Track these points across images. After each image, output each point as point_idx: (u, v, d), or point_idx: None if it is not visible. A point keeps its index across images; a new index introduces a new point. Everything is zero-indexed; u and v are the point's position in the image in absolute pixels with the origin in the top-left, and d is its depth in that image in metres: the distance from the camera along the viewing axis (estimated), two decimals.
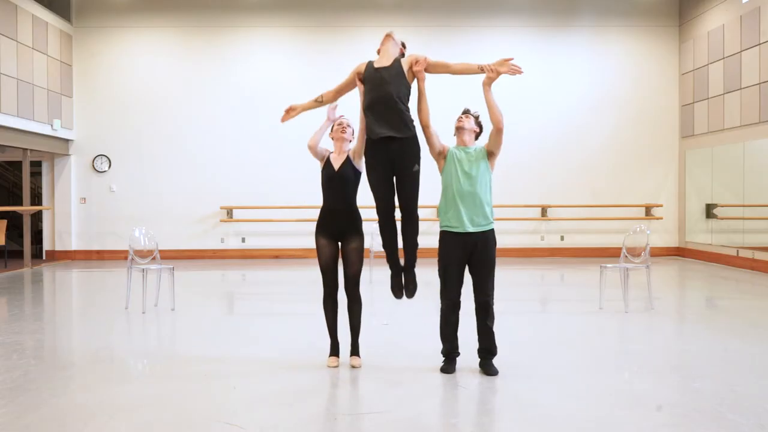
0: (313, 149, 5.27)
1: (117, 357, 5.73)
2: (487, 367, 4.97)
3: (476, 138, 5.21)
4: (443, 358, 5.07)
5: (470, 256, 4.95)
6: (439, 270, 5.01)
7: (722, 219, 12.78)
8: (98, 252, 14.02)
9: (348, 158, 5.23)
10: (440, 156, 5.13)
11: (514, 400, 4.43)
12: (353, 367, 5.13)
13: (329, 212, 5.19)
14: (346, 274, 5.19)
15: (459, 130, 5.18)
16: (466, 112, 5.31)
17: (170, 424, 3.97)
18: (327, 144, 5.30)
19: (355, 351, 5.23)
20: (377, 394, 4.57)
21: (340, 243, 5.22)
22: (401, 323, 6.91)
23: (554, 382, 4.79)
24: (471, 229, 4.91)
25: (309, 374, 5.01)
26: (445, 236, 5.01)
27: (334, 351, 5.27)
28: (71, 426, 3.97)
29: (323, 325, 5.37)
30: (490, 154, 5.05)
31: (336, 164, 5.21)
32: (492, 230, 5.00)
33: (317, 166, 5.33)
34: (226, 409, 4.20)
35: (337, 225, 5.16)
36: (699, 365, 5.32)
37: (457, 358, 5.09)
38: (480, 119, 5.24)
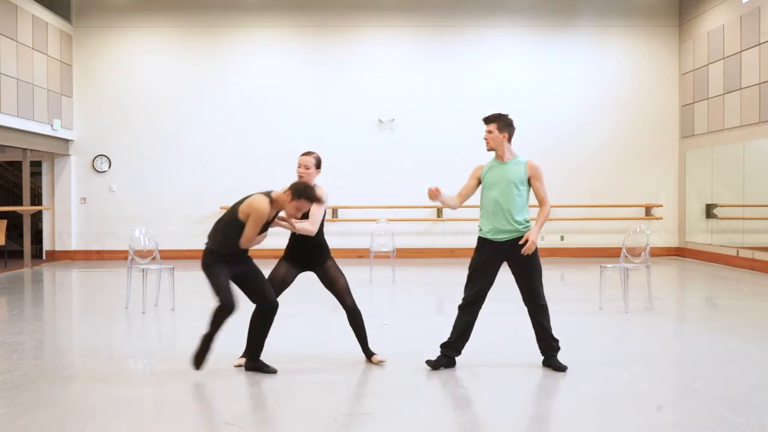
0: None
1: (117, 357, 5.73)
2: (552, 362, 5.00)
3: (509, 140, 5.06)
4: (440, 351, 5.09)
5: (507, 262, 4.97)
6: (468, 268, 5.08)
7: (722, 219, 12.78)
8: (98, 252, 14.02)
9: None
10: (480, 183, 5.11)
11: (514, 400, 4.42)
12: (380, 362, 5.14)
13: (297, 242, 5.17)
14: (335, 291, 5.19)
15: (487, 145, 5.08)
16: (484, 121, 5.09)
17: (170, 424, 3.97)
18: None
19: (370, 354, 5.24)
20: (377, 394, 4.56)
21: (311, 272, 5.24)
22: (401, 323, 6.90)
23: (554, 382, 4.79)
24: (499, 237, 4.93)
25: (309, 374, 5.01)
26: (479, 240, 5.06)
27: (247, 353, 5.23)
28: (71, 426, 3.97)
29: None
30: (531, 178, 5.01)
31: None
32: (523, 236, 4.93)
33: None
34: (226, 409, 4.20)
35: (305, 254, 5.17)
36: (699, 365, 5.32)
37: (456, 359, 5.09)
38: (502, 118, 5.03)
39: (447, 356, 5.05)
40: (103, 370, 5.24)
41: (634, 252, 7.80)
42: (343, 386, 4.74)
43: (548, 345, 5.04)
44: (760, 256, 11.35)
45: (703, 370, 5.14)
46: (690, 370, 5.20)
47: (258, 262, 5.10)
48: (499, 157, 5.04)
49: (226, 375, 4.98)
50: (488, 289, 5.02)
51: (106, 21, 13.95)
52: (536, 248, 4.99)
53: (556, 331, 5.12)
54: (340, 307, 5.26)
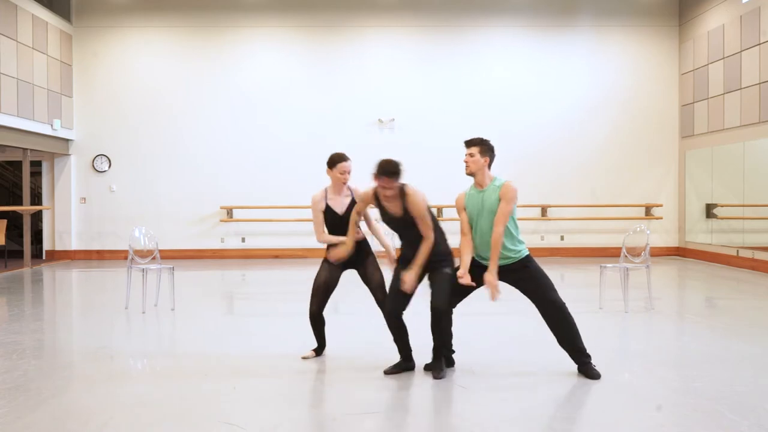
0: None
1: (117, 357, 5.72)
2: (586, 369, 4.84)
3: (489, 165, 4.89)
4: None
5: (511, 283, 4.89)
6: None
7: (722, 219, 12.78)
8: (98, 252, 14.02)
9: (352, 200, 5.17)
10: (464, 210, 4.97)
11: (514, 400, 4.42)
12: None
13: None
14: (371, 287, 5.14)
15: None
16: (466, 144, 4.93)
17: (170, 424, 3.97)
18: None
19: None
20: (377, 394, 4.56)
21: (354, 269, 5.21)
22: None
23: (554, 382, 4.79)
24: (483, 263, 4.84)
25: (309, 374, 5.02)
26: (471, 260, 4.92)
27: (317, 350, 5.36)
28: (71, 426, 3.97)
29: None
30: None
31: (338, 209, 5.16)
32: (516, 261, 4.83)
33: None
34: (226, 409, 4.20)
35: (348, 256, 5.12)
36: (699, 365, 5.31)
37: (455, 358, 5.08)
38: (485, 143, 4.89)
39: (444, 356, 5.03)
40: (103, 370, 5.24)
41: (634, 252, 7.80)
42: (343, 386, 4.74)
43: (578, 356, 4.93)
44: (760, 256, 11.35)
45: (703, 370, 5.14)
46: (690, 370, 5.20)
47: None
48: (478, 184, 4.89)
49: (226, 375, 4.98)
50: (461, 299, 4.95)
51: (106, 21, 13.96)
52: (531, 258, 4.89)
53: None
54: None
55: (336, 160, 5.16)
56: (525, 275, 4.85)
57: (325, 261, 5.23)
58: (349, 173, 5.17)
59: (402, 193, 4.74)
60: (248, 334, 6.61)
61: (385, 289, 5.08)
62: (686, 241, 13.85)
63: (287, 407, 4.29)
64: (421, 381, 4.80)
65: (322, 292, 5.21)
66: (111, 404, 4.34)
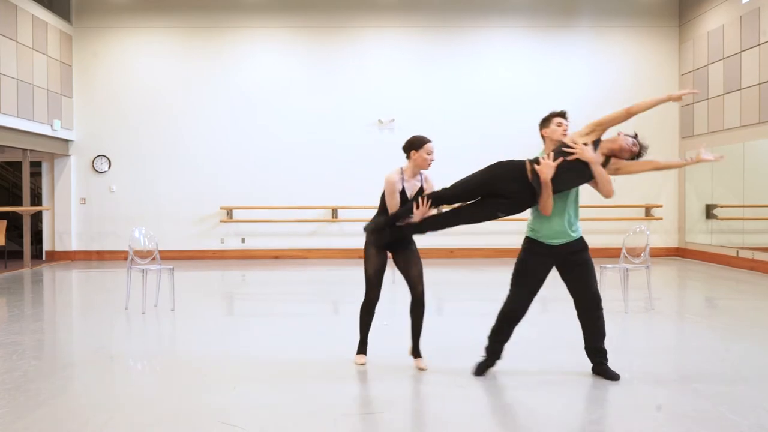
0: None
1: (117, 357, 5.72)
2: (603, 370, 4.84)
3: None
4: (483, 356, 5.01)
5: (562, 266, 4.95)
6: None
7: (722, 219, 12.78)
8: (98, 252, 14.02)
9: (421, 187, 5.14)
10: None
11: (514, 402, 4.42)
12: (421, 369, 5.02)
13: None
14: (409, 276, 5.05)
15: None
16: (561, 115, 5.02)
17: (170, 425, 3.97)
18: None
19: (417, 354, 5.12)
20: (377, 395, 4.56)
21: (390, 253, 5.10)
22: (401, 323, 6.89)
23: (554, 383, 4.79)
24: (549, 243, 4.93)
25: (309, 374, 5.01)
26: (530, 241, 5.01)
27: (363, 349, 5.24)
28: (71, 426, 3.97)
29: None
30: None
31: (409, 192, 5.11)
32: (578, 239, 4.96)
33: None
34: (226, 409, 4.20)
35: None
36: (699, 365, 5.32)
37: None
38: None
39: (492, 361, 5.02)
40: (103, 370, 5.24)
41: (633, 252, 7.80)
42: (343, 387, 4.74)
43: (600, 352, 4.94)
44: (759, 256, 11.35)
45: (703, 370, 5.14)
46: (690, 371, 5.20)
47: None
48: None
49: (226, 375, 4.98)
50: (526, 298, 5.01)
51: (106, 21, 13.96)
52: (587, 248, 4.99)
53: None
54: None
55: (422, 141, 4.99)
56: (581, 259, 4.93)
57: (369, 247, 5.06)
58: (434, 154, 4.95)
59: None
60: (248, 335, 6.60)
61: (423, 281, 5.02)
62: (686, 241, 13.85)
63: (287, 407, 4.29)
64: (422, 381, 4.80)
65: (377, 282, 5.05)
66: (111, 404, 4.34)
